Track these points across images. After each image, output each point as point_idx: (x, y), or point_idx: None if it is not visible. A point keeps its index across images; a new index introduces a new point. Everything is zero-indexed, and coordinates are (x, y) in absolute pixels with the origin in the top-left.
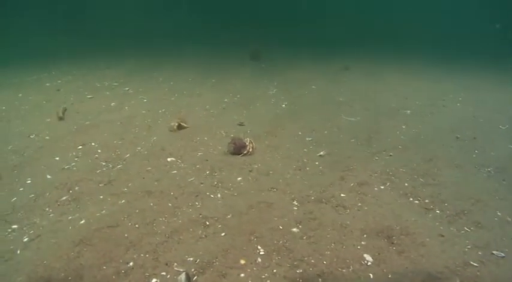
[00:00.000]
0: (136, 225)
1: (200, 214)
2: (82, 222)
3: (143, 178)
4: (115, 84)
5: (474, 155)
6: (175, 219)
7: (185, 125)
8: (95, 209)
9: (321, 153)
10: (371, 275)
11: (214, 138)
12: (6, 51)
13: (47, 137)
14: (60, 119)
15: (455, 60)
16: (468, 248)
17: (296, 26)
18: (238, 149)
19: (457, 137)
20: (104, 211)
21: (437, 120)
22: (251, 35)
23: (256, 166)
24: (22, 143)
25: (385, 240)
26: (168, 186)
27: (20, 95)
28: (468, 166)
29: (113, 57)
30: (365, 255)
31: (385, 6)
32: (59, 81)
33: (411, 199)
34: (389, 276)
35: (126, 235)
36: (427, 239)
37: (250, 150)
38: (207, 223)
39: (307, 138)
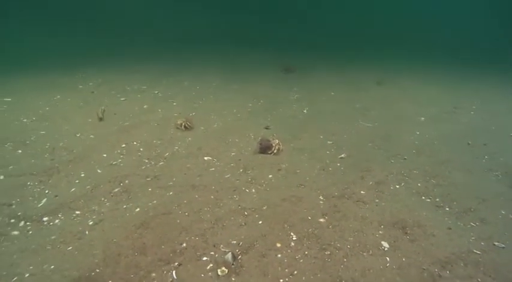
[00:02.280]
0: (186, 213)
1: (239, 205)
2: (137, 210)
3: (185, 174)
4: (144, 87)
5: (484, 160)
6: (218, 209)
7: (190, 126)
8: (147, 199)
9: (342, 155)
10: (387, 258)
11: (244, 140)
12: (34, 53)
13: (92, 136)
14: (100, 119)
15: (470, 68)
16: (472, 239)
17: (312, 32)
18: (264, 149)
19: (469, 143)
20: (155, 201)
21: (450, 127)
22: (271, 40)
23: (284, 166)
24: (70, 141)
25: (400, 230)
26: (209, 182)
27: (58, 96)
28: (477, 170)
29: (137, 61)
30: (382, 242)
31: (398, 12)
32: (91, 84)
33: (423, 197)
34: (403, 259)
35: (178, 221)
36: (437, 231)
37: (275, 151)
38: (246, 213)
39: (328, 142)
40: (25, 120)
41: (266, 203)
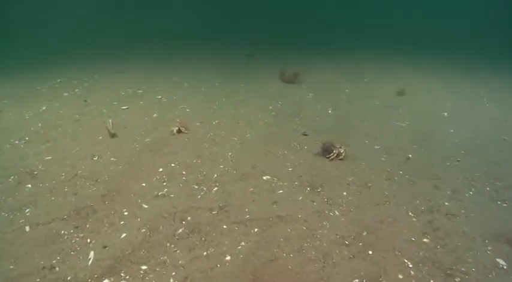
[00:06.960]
0: (291, 255)
1: (336, 234)
2: (228, 258)
3: (254, 201)
4: (139, 91)
5: None
6: (318, 242)
7: (185, 131)
8: (230, 241)
9: (401, 160)
10: None
11: (292, 151)
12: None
13: (113, 159)
14: (113, 135)
15: (462, 57)
16: None
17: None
18: (325, 152)
19: (505, 139)
20: (243, 243)
21: (477, 123)
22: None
23: (351, 179)
24: (89, 166)
25: (506, 244)
26: (290, 209)
27: (44, 107)
28: None
29: (116, 59)
30: (498, 260)
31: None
32: (77, 90)
33: (499, 202)
34: None
35: (289, 267)
36: None
37: (334, 156)
38: (347, 242)
39: (375, 147)
40: (17, 142)
41: (362, 228)
